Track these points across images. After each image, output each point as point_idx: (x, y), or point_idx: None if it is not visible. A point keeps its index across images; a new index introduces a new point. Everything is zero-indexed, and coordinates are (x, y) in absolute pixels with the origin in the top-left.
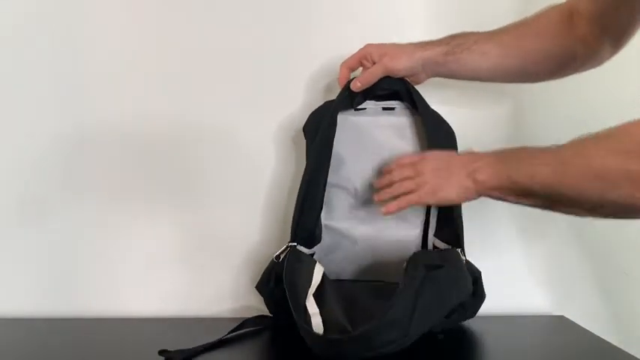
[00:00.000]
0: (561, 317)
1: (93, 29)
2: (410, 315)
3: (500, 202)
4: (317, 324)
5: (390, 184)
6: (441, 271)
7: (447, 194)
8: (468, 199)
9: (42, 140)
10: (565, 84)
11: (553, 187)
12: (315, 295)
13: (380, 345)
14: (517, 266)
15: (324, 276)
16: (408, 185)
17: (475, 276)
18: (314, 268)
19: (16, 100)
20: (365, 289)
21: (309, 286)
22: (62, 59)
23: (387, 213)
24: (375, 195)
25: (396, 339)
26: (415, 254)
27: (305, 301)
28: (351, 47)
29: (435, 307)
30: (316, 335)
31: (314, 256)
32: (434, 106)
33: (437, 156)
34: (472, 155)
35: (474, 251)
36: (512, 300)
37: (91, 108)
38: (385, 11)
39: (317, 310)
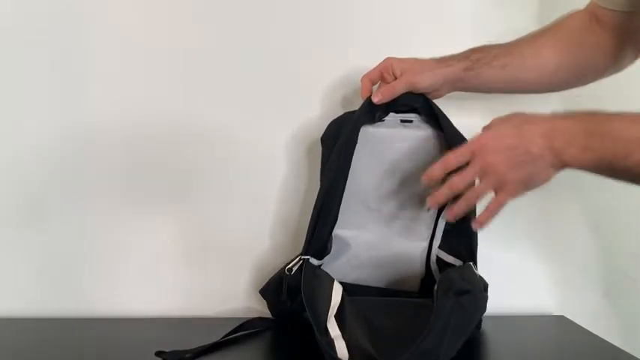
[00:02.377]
0: (561, 317)
1: (95, 29)
2: (440, 344)
3: None
4: (340, 348)
5: (451, 190)
6: (468, 297)
7: (540, 181)
8: (558, 172)
9: (42, 140)
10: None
11: None
12: (335, 317)
13: None
14: (518, 266)
15: (343, 294)
16: (487, 189)
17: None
18: (332, 287)
19: (16, 100)
20: (377, 307)
21: (329, 307)
22: (63, 59)
23: (481, 226)
24: (446, 211)
25: None
26: (444, 277)
27: (326, 323)
28: (370, 58)
29: (462, 333)
30: None
31: (321, 267)
32: (453, 118)
33: (497, 144)
34: (547, 129)
35: None
36: (512, 300)
37: (98, 108)
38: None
39: (339, 333)
